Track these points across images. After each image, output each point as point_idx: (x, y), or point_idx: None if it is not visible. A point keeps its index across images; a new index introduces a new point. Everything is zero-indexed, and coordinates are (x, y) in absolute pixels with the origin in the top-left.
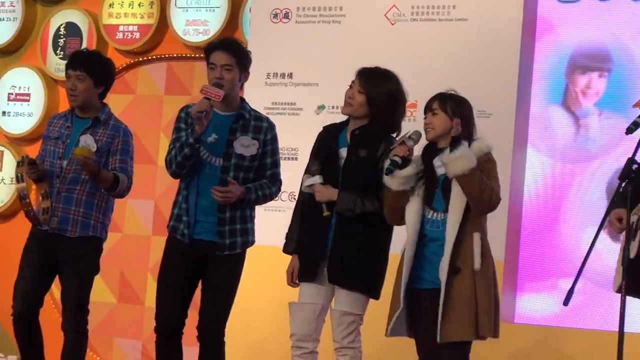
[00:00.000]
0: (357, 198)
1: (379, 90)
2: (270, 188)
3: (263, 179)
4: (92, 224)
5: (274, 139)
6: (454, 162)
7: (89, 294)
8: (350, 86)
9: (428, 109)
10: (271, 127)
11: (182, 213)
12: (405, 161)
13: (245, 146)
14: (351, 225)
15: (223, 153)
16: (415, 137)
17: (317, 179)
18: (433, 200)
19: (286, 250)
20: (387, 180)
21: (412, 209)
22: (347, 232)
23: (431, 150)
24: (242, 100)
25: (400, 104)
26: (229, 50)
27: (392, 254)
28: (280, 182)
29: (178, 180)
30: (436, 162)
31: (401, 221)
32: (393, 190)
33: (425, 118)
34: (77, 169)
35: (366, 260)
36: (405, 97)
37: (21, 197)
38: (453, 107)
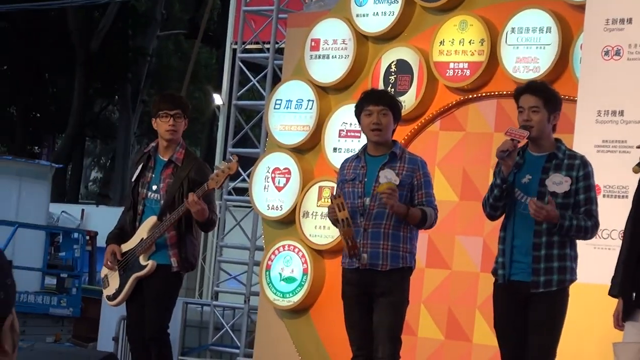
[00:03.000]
0: None
1: None
2: (585, 222)
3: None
4: (400, 255)
5: (587, 175)
6: None
7: (402, 325)
8: None
9: None
10: (584, 164)
11: (499, 254)
12: None
13: (558, 183)
14: None
15: (537, 192)
16: None
17: None
18: None
19: (611, 293)
20: None
21: None
22: None
23: None
24: (558, 140)
25: None
26: (535, 93)
27: None
28: (595, 219)
29: None
30: None
31: None
32: None
33: None
34: (381, 204)
35: None
36: None
37: (342, 225)
38: None
